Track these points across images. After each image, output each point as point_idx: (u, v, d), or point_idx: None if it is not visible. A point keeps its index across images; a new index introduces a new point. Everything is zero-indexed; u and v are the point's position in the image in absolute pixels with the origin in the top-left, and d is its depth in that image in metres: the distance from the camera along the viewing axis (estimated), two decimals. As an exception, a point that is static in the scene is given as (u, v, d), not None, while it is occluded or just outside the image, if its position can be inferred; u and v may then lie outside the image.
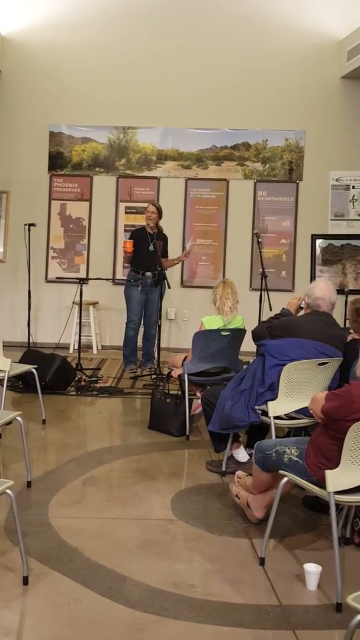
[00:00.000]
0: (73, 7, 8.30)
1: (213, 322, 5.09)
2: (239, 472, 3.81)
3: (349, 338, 4.05)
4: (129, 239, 7.15)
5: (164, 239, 7.22)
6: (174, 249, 7.45)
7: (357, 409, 2.77)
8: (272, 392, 3.81)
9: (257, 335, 4.22)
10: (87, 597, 2.76)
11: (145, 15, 8.29)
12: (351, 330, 4.18)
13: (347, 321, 5.14)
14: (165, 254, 7.20)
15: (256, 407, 3.86)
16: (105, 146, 8.52)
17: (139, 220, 7.49)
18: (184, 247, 7.55)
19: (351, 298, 5.50)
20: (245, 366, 4.33)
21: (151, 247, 7.03)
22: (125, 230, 8.34)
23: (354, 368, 2.94)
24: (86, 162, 8.54)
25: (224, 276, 8.26)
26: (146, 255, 7.04)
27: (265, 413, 3.82)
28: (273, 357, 3.87)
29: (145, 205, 7.45)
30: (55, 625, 2.57)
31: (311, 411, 3.14)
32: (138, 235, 7.17)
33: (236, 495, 3.62)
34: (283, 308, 4.43)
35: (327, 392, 3.09)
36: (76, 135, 8.51)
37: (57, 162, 8.53)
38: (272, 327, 4.15)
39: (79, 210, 8.57)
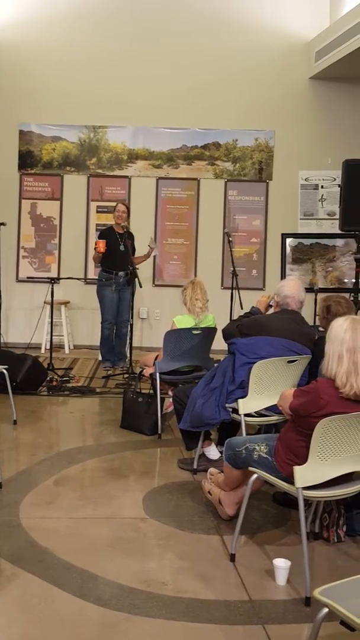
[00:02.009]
0: (43, 5, 8.25)
1: (184, 321, 5.11)
2: (211, 469, 3.83)
3: (317, 336, 4.10)
4: (100, 239, 7.13)
5: (131, 237, 7.24)
6: (145, 248, 7.44)
7: (324, 405, 2.82)
8: (242, 389, 3.84)
9: (227, 334, 4.25)
10: (58, 596, 2.76)
11: (116, 15, 8.28)
12: (321, 328, 4.23)
13: (317, 318, 5.20)
14: (133, 251, 7.20)
15: (227, 404, 3.88)
16: (76, 145, 8.49)
17: (111, 220, 7.49)
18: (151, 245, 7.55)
19: (321, 296, 5.56)
20: (216, 364, 4.36)
21: (122, 247, 7.04)
22: (97, 230, 8.32)
23: (321, 365, 2.99)
24: (56, 161, 8.50)
25: (195, 275, 8.30)
26: (117, 255, 7.04)
27: (235, 411, 3.85)
28: (243, 355, 3.90)
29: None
30: (25, 626, 2.57)
31: (280, 408, 3.18)
32: (108, 235, 7.16)
33: (208, 492, 3.64)
34: (252, 306, 4.47)
35: (295, 389, 3.13)
36: (46, 134, 8.46)
37: (27, 161, 8.48)
38: (242, 325, 4.19)
39: (50, 209, 8.53)
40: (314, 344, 4.01)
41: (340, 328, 2.86)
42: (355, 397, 2.81)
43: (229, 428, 4.18)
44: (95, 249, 7.05)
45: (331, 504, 3.29)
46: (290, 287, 4.15)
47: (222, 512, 3.52)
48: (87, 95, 8.31)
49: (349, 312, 3.88)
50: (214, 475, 3.71)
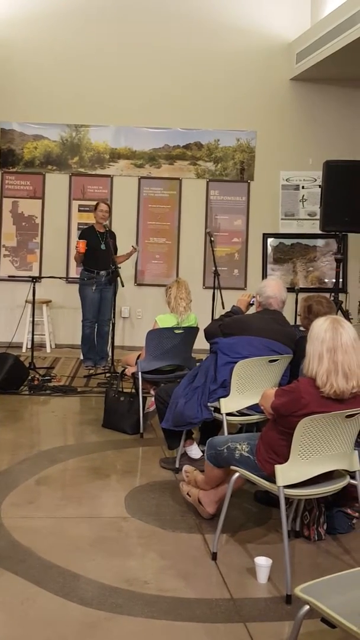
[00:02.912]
0: (25, 3, 8.20)
1: (167, 320, 5.12)
2: (186, 467, 3.83)
3: (299, 335, 4.13)
4: (80, 239, 7.11)
5: (112, 236, 7.23)
6: (127, 248, 7.44)
7: (305, 404, 2.84)
8: (224, 389, 3.86)
9: (209, 334, 4.26)
10: (40, 596, 2.76)
11: (99, 14, 8.26)
12: (302, 328, 4.26)
13: (298, 318, 5.24)
14: (115, 250, 7.20)
15: (208, 404, 3.90)
16: (58, 144, 8.46)
17: (93, 219, 7.48)
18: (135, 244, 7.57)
19: (302, 296, 5.60)
20: (198, 364, 4.37)
21: (103, 246, 7.03)
22: (79, 229, 8.30)
23: (302, 365, 3.01)
24: (38, 159, 8.46)
25: (177, 275, 8.31)
26: (99, 254, 7.03)
27: (217, 410, 3.87)
28: (225, 354, 3.92)
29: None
30: (7, 626, 2.56)
31: (261, 407, 3.20)
32: (89, 234, 7.14)
33: (187, 494, 3.64)
34: (233, 305, 4.49)
35: (277, 388, 3.15)
36: (28, 132, 8.42)
37: (8, 159, 8.43)
38: (224, 325, 4.20)
39: (32, 208, 8.48)
40: (295, 344, 4.04)
41: (320, 328, 2.89)
42: (335, 396, 2.84)
43: (211, 427, 4.20)
44: (76, 248, 7.03)
45: (312, 502, 3.32)
46: (272, 287, 4.17)
47: (203, 511, 3.52)
48: (69, 94, 8.28)
49: (330, 311, 3.91)
50: (190, 473, 3.71)
